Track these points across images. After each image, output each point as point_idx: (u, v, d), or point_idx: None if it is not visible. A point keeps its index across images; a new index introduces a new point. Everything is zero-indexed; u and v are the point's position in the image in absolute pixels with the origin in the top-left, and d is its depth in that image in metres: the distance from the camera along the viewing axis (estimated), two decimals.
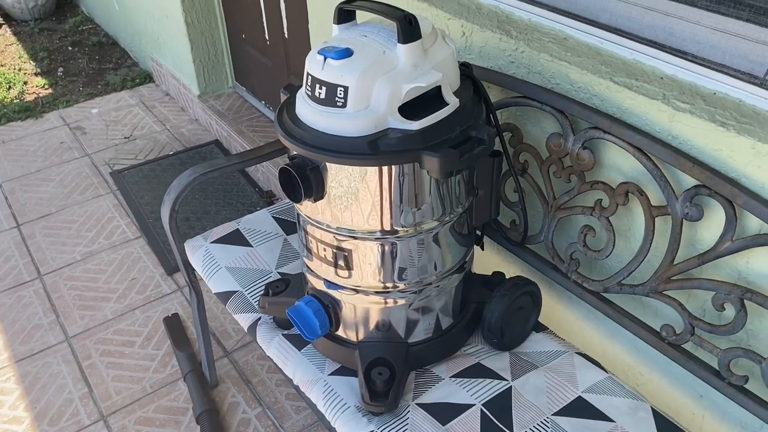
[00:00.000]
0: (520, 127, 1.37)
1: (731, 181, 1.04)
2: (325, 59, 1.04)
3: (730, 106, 1.07)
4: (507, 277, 1.37)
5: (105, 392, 1.93)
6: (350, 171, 1.07)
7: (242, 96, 3.18)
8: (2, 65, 3.89)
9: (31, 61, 3.94)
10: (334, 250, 1.19)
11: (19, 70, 3.83)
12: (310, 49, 2.32)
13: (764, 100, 1.05)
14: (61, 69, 3.84)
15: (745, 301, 1.07)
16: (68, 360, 2.03)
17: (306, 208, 1.18)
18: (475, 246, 1.35)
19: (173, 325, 2.11)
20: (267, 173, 2.72)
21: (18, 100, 3.50)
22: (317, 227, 1.19)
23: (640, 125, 1.16)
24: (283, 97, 1.21)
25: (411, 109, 1.05)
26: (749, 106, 1.06)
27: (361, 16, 1.14)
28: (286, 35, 2.60)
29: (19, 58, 3.99)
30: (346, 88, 1.03)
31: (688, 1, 1.12)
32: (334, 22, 1.13)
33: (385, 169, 1.07)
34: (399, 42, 1.04)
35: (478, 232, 1.39)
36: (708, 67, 1.12)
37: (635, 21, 1.21)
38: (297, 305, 1.25)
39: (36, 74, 3.79)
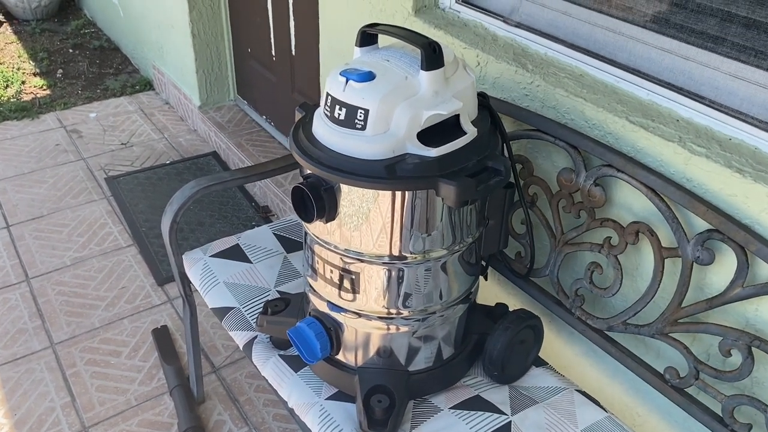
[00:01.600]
0: (531, 159, 1.37)
1: (745, 228, 1.04)
2: (347, 81, 1.04)
3: (746, 153, 1.08)
4: (510, 309, 1.36)
5: (88, 402, 1.88)
6: (364, 194, 1.06)
7: (243, 109, 3.17)
8: (1, 63, 3.86)
9: (31, 61, 3.91)
10: (341, 272, 1.18)
11: (18, 69, 3.80)
12: (317, 68, 2.33)
13: None
14: (60, 71, 3.81)
15: (753, 349, 1.06)
16: (52, 367, 1.98)
17: (315, 228, 1.17)
18: (479, 276, 1.34)
19: (162, 337, 2.08)
20: (264, 188, 2.70)
21: (15, 100, 3.46)
22: (325, 248, 1.17)
23: (654, 166, 1.16)
24: (298, 116, 1.21)
25: (429, 135, 1.05)
26: (765, 154, 1.07)
27: (382, 41, 1.14)
28: (293, 52, 2.60)
29: (19, 57, 3.96)
30: (366, 111, 1.02)
31: (708, 46, 1.13)
32: (356, 45, 1.13)
33: (399, 194, 1.06)
34: (422, 69, 1.04)
35: (483, 262, 1.38)
36: (725, 113, 1.12)
37: (653, 62, 1.22)
38: (298, 326, 1.23)
39: (35, 74, 3.76)
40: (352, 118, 1.04)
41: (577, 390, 1.30)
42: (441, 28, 1.54)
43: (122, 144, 3.14)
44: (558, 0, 1.36)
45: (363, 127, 1.03)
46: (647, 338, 1.27)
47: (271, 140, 2.93)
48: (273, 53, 2.76)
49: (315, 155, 1.07)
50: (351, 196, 1.08)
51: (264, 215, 2.69)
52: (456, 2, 1.60)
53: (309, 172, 1.09)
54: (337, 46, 1.97)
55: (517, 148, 1.42)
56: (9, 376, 1.95)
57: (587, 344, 1.43)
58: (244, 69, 3.08)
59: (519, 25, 1.45)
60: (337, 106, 1.05)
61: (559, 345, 1.51)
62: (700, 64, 1.15)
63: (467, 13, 1.57)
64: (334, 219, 1.11)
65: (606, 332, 1.29)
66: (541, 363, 1.37)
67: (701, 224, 1.11)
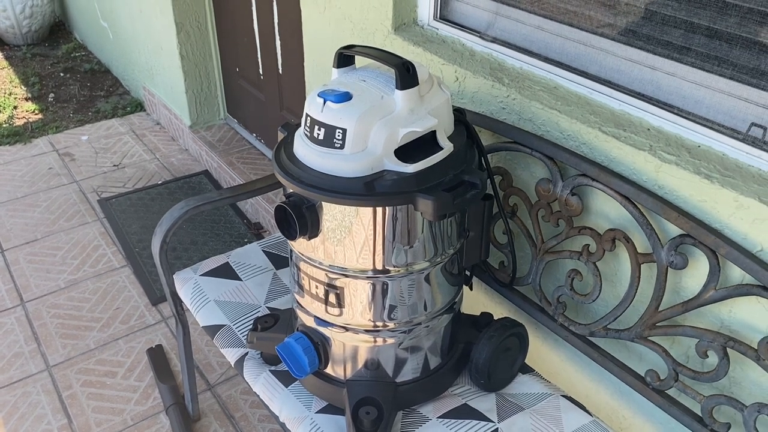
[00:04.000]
0: (510, 171, 1.41)
1: (715, 232, 1.07)
2: (324, 102, 1.07)
3: (714, 159, 1.11)
4: (495, 318, 1.39)
5: (85, 424, 1.90)
6: (345, 210, 1.09)
7: (233, 128, 3.21)
8: None
9: (22, 86, 3.94)
10: (326, 288, 1.20)
11: (10, 94, 3.83)
12: (303, 86, 2.37)
13: (746, 155, 1.10)
14: (52, 95, 3.85)
15: (728, 349, 1.09)
16: (48, 390, 2.00)
17: (300, 245, 1.19)
18: (463, 286, 1.37)
19: (157, 356, 2.10)
20: (256, 205, 2.73)
21: (7, 125, 3.50)
22: (310, 264, 1.20)
23: (627, 174, 1.20)
24: (281, 136, 1.24)
25: (406, 152, 1.08)
26: (732, 160, 1.11)
27: (360, 60, 1.18)
28: (280, 71, 2.64)
29: (10, 82, 4.00)
30: (344, 131, 1.05)
31: (674, 56, 1.17)
32: (333, 66, 1.16)
33: (379, 209, 1.09)
34: (397, 88, 1.07)
35: (467, 273, 1.41)
36: (693, 121, 1.16)
37: (624, 73, 1.26)
38: (286, 342, 1.26)
39: (26, 99, 3.80)
40: (330, 138, 1.07)
41: (563, 395, 1.33)
42: (420, 45, 1.58)
43: (114, 166, 3.17)
44: (531, 15, 1.40)
45: (341, 146, 1.06)
46: (628, 342, 1.30)
47: (262, 158, 2.96)
48: (261, 72, 2.80)
49: (296, 174, 1.10)
50: (333, 213, 1.11)
51: (256, 232, 2.72)
52: (434, 19, 1.64)
53: (291, 190, 1.12)
54: (321, 64, 2.01)
55: (496, 160, 1.45)
56: (6, 400, 1.97)
57: (572, 350, 1.46)
58: (233, 88, 3.11)
59: (495, 40, 1.49)
60: (316, 127, 1.08)
61: (545, 351, 1.54)
62: (667, 74, 1.19)
63: (445, 30, 1.61)
64: (316, 236, 1.14)
65: (588, 338, 1.32)
66: (527, 370, 1.40)
67: (674, 230, 1.14)
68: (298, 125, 1.19)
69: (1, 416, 1.92)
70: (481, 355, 1.30)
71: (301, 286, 1.25)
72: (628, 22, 1.23)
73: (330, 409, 1.29)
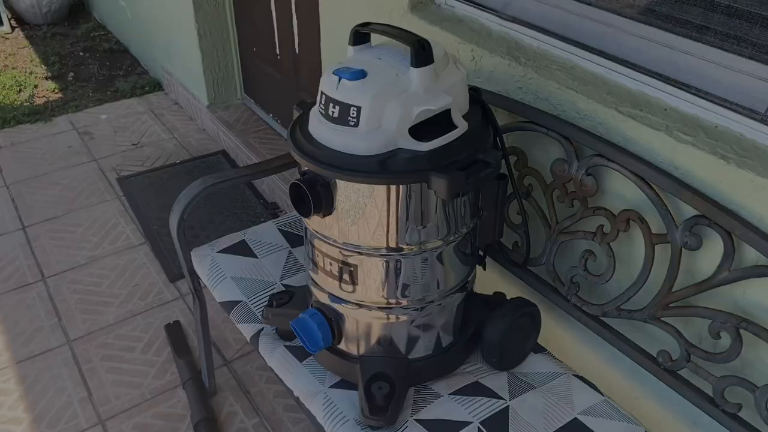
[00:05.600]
0: (525, 151, 1.40)
1: (730, 213, 1.06)
2: (339, 80, 1.07)
3: (731, 140, 1.10)
4: (508, 297, 1.39)
5: (104, 396, 1.94)
6: (359, 188, 1.10)
7: (250, 108, 3.22)
8: (14, 68, 3.93)
9: (43, 65, 3.98)
10: (340, 265, 1.22)
11: (30, 73, 3.87)
12: (320, 66, 2.37)
13: (764, 135, 1.09)
14: (71, 74, 3.88)
15: (741, 331, 1.09)
16: (68, 363, 2.05)
17: (314, 222, 1.21)
18: (477, 265, 1.38)
19: (174, 332, 2.13)
20: (272, 185, 2.75)
21: (28, 104, 3.54)
22: (324, 242, 1.21)
23: (643, 155, 1.19)
24: (296, 114, 1.24)
25: (421, 130, 1.08)
26: (750, 141, 1.10)
27: (375, 38, 1.17)
28: (297, 51, 2.64)
29: (31, 61, 4.04)
30: (359, 108, 1.06)
31: (693, 36, 1.15)
32: (349, 44, 1.17)
33: (393, 187, 1.10)
34: (412, 66, 1.08)
35: (480, 252, 1.41)
36: (711, 101, 1.15)
37: (641, 53, 1.24)
38: (301, 317, 1.28)
39: (47, 78, 3.83)
40: (345, 116, 1.07)
41: (574, 375, 1.34)
42: (436, 23, 1.57)
43: (133, 144, 3.20)
44: None
45: (356, 124, 1.07)
46: (641, 323, 1.30)
47: (278, 138, 2.97)
48: (277, 52, 2.80)
49: (311, 152, 1.11)
50: (347, 191, 1.11)
51: (272, 212, 2.74)
52: None
53: (306, 168, 1.13)
54: (338, 43, 2.01)
55: (512, 140, 1.45)
56: (28, 373, 2.02)
57: (585, 330, 1.46)
58: (250, 68, 3.12)
59: (512, 19, 1.48)
60: (331, 104, 1.09)
61: (559, 332, 1.54)
62: (685, 53, 1.17)
63: (462, 9, 1.60)
64: (330, 213, 1.15)
65: (601, 318, 1.32)
66: (540, 349, 1.41)
67: (689, 210, 1.14)
68: (314, 104, 1.19)
69: (23, 388, 1.97)
70: (494, 334, 1.31)
71: (315, 264, 1.27)
72: (646, 0, 1.21)
73: (343, 384, 1.31)
